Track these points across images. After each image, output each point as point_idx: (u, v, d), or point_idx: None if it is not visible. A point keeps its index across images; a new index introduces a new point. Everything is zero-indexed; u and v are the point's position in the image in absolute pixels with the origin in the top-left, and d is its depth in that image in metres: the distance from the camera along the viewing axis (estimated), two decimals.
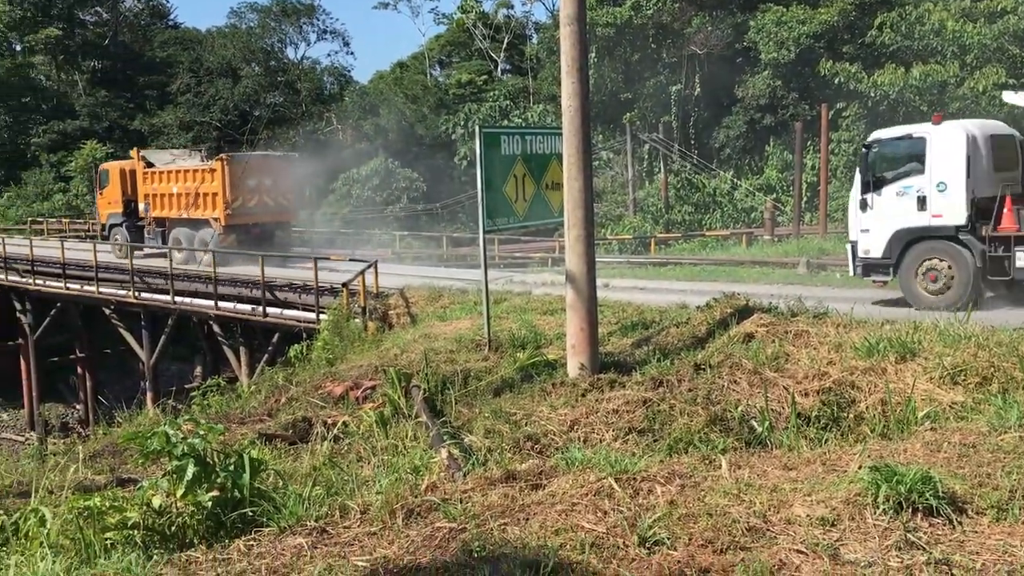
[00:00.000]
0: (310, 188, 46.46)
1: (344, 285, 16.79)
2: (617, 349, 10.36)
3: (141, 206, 28.17)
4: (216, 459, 5.67)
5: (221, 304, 20.80)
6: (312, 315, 18.22)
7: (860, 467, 4.99)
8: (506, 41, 59.05)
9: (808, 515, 4.49)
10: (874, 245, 13.92)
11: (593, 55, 37.40)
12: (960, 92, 29.73)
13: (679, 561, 4.17)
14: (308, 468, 6.98)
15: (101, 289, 24.40)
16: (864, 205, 14.02)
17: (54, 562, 4.90)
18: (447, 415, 8.58)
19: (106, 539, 5.33)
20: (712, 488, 4.98)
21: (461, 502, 5.12)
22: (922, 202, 13.40)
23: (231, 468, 5.63)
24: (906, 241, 13.59)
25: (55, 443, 20.61)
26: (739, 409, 7.49)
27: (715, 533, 4.38)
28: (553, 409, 8.08)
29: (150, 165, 28.23)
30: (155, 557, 4.92)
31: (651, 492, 4.98)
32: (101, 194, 30.89)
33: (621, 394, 8.21)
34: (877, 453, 5.48)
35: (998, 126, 14.67)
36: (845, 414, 7.51)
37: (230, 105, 54.06)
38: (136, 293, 23.31)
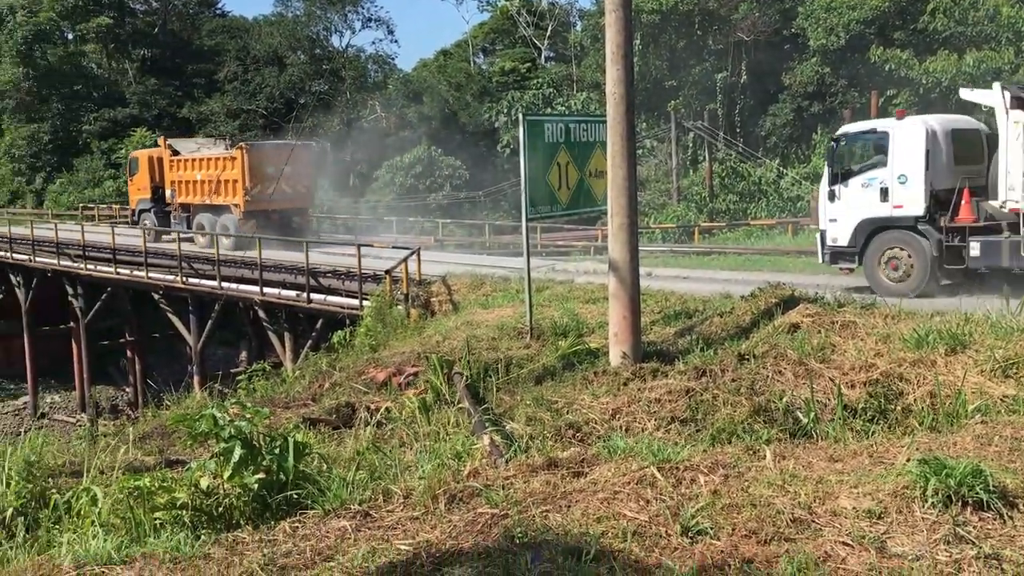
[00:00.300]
0: (353, 176, 46.93)
1: (387, 272, 16.91)
2: (660, 338, 10.31)
3: (167, 192, 29.26)
4: (262, 442, 5.76)
5: (266, 290, 21.06)
6: (355, 301, 18.37)
7: (908, 460, 4.92)
8: (550, 28, 58.75)
9: (854, 507, 4.44)
10: (841, 234, 14.51)
11: (638, 42, 37.11)
12: (1016, 79, 28.99)
13: (722, 551, 4.14)
14: (352, 452, 7.06)
15: (150, 274, 24.84)
16: (832, 196, 14.64)
17: (105, 540, 5.01)
18: (489, 402, 8.61)
19: (155, 519, 5.45)
20: (756, 479, 4.94)
21: (503, 488, 5.14)
22: (884, 193, 13.96)
23: (276, 451, 5.71)
24: (870, 230, 14.15)
25: (105, 424, 21.07)
26: (784, 400, 7.42)
27: (759, 524, 4.35)
28: (595, 397, 8.07)
29: (176, 153, 29.22)
30: (203, 537, 5.02)
31: (694, 481, 4.95)
32: (131, 181, 31.97)
33: (663, 383, 8.18)
34: (926, 446, 5.39)
35: (961, 120, 14.99)
36: (893, 406, 7.40)
37: (276, 93, 54.55)
38: (184, 278, 23.70)
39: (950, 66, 30.06)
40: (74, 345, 31.17)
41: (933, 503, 4.36)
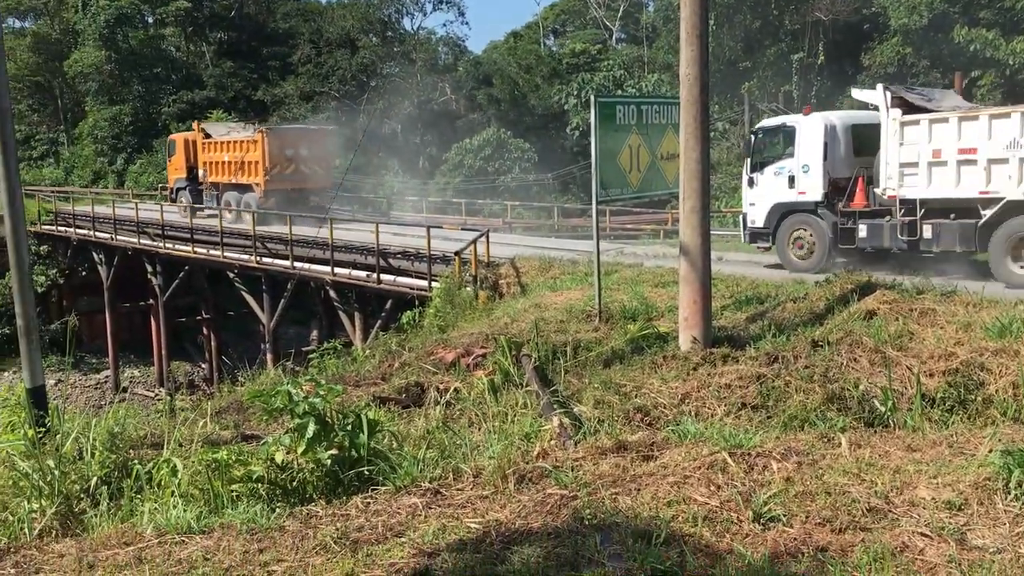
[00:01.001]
0: (423, 158, 47.24)
1: (456, 254, 17.00)
2: (730, 323, 10.18)
3: (200, 172, 31.97)
4: (335, 419, 5.86)
5: (337, 270, 21.37)
6: (424, 283, 18.52)
7: (990, 451, 4.79)
8: (622, 9, 58.17)
9: (933, 498, 4.34)
10: (758, 216, 16.37)
11: (712, 23, 36.39)
12: None
13: (795, 538, 4.09)
14: (422, 431, 7.13)
15: (226, 254, 25.41)
16: (751, 183, 16.55)
17: (185, 510, 5.17)
18: (557, 384, 8.60)
19: (232, 491, 5.60)
20: (831, 466, 4.86)
21: (572, 470, 5.15)
22: (791, 181, 15.78)
23: (349, 428, 5.80)
24: (781, 213, 15.96)
25: (182, 399, 21.64)
26: (860, 388, 7.26)
27: (833, 512, 4.28)
28: (664, 382, 8.01)
29: (208, 136, 31.91)
30: (278, 509, 5.14)
31: (766, 468, 4.90)
32: (170, 161, 34.63)
33: (734, 369, 8.08)
34: (1008, 437, 5.23)
35: (863, 116, 16.29)
36: (973, 396, 7.20)
37: (348, 75, 55.00)
38: (258, 258, 24.19)
39: None
40: (153, 321, 32.11)
41: (1016, 495, 4.24)
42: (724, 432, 5.59)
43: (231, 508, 5.29)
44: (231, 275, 26.17)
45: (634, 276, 14.24)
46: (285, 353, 21.84)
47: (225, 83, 55.53)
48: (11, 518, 5.96)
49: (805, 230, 15.60)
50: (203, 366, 33.41)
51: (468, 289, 15.99)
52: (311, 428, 5.60)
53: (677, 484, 4.76)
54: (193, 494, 5.71)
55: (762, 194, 16.37)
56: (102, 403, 28.90)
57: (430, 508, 4.85)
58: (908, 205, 14.12)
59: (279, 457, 5.65)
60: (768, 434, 5.84)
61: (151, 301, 31.97)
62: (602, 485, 4.85)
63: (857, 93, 16.11)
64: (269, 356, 24.24)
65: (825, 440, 5.43)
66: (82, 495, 6.08)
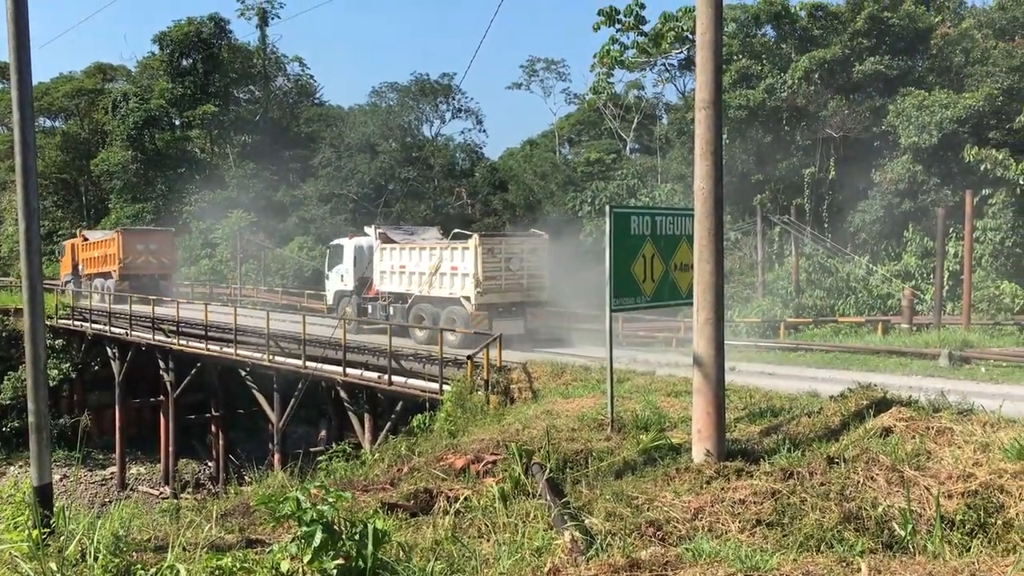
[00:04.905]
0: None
1: (468, 357, 17.00)
2: (744, 436, 10.06)
3: (80, 267, 42.12)
4: (343, 527, 5.76)
5: (349, 371, 21.36)
6: (436, 385, 18.47)
7: None
8: (636, 121, 59.60)
9: None
10: (331, 299, 28.18)
11: (724, 136, 37.18)
12: None
13: None
14: (430, 541, 6.99)
15: (239, 351, 25.48)
16: (327, 278, 28.24)
17: None
18: (568, 494, 8.46)
19: None
20: None
21: None
22: (342, 277, 27.31)
23: (356, 537, 5.70)
24: (339, 297, 27.39)
25: (187, 498, 21.36)
26: (879, 509, 7.10)
27: None
28: (676, 495, 7.87)
29: (86, 239, 42.53)
30: None
31: None
32: (61, 260, 45.05)
33: (748, 484, 7.94)
34: None
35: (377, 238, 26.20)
36: (993, 520, 7.02)
37: (367, 179, 56.18)
38: (271, 356, 24.23)
39: None
40: (162, 419, 31.98)
41: None
42: (740, 552, 5.46)
43: None
44: (242, 373, 26.18)
45: (647, 384, 14.17)
46: (293, 453, 21.65)
47: (247, 184, 56.77)
48: None
49: (348, 307, 26.21)
50: (210, 464, 33.10)
51: (480, 393, 15.92)
52: (318, 536, 5.51)
53: None
54: None
55: (332, 285, 27.86)
56: (107, 500, 28.55)
57: None
58: (385, 295, 25.10)
59: (284, 566, 5.54)
60: (785, 556, 5.69)
61: (162, 397, 31.93)
62: None
63: (367, 229, 27.37)
64: (277, 456, 24.03)
65: (844, 564, 5.29)
66: None
